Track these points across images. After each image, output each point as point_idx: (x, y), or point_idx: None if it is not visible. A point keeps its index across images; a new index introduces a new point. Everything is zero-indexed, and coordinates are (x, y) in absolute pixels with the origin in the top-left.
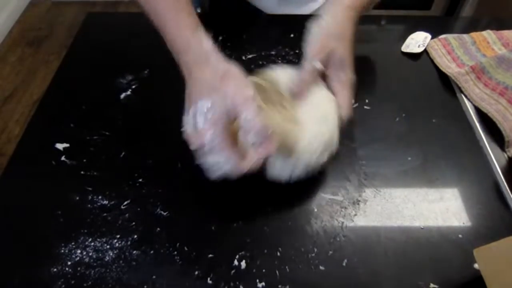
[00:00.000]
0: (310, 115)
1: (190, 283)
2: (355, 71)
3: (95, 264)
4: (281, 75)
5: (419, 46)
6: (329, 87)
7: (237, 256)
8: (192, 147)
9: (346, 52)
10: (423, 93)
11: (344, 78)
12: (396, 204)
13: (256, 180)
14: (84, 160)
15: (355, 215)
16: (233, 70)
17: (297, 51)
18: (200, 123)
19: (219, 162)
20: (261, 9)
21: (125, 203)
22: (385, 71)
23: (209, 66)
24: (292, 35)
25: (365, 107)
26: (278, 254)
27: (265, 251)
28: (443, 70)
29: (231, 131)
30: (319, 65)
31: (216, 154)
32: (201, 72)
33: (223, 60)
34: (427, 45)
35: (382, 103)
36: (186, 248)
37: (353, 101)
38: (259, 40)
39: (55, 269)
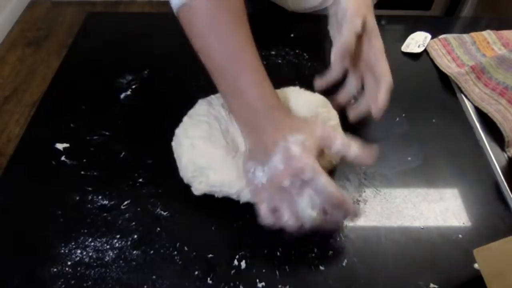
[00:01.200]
0: None
1: (190, 283)
2: None
3: (95, 264)
4: (292, 94)
5: (419, 46)
6: (361, 57)
7: (237, 256)
8: (283, 183)
9: (374, 23)
10: (423, 93)
11: (378, 45)
12: (396, 204)
13: None
14: (84, 160)
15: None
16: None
17: (297, 51)
18: (297, 151)
19: (317, 191)
20: (272, 1)
21: (125, 203)
22: None
23: (287, 110)
24: (292, 35)
25: None
26: (278, 254)
27: (265, 251)
28: (443, 70)
29: None
30: (359, 27)
31: (316, 179)
32: (283, 114)
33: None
34: (427, 45)
35: None
36: (186, 248)
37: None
38: (259, 40)
39: (55, 269)
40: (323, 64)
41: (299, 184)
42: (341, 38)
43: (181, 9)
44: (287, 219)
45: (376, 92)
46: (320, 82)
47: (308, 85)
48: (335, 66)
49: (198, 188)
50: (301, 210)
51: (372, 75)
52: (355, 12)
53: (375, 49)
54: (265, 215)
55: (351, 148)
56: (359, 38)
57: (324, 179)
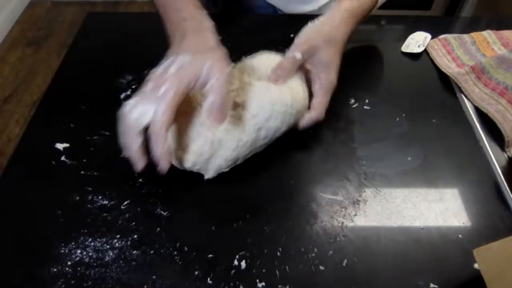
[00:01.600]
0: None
1: (190, 283)
2: (355, 70)
3: (95, 264)
4: (261, 61)
5: (419, 46)
6: (310, 87)
7: (237, 256)
8: (147, 86)
9: (333, 56)
10: (423, 93)
11: (324, 80)
12: (396, 204)
13: (256, 180)
14: (84, 160)
15: (355, 215)
16: (222, 50)
17: None
18: (171, 71)
19: (148, 112)
20: (270, 4)
21: (125, 203)
22: (385, 71)
23: (203, 35)
24: (292, 35)
25: (365, 107)
26: (278, 254)
27: (265, 251)
28: (443, 70)
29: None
30: (299, 56)
31: (159, 103)
32: (194, 37)
33: (218, 40)
34: (427, 45)
35: (382, 103)
36: (186, 248)
37: (326, 105)
38: (259, 40)
39: (55, 269)
40: None
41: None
42: (282, 59)
43: None
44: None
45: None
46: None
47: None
48: (271, 79)
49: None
50: (135, 107)
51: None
52: (301, 43)
53: (320, 82)
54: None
55: (212, 95)
56: (308, 63)
57: (162, 107)
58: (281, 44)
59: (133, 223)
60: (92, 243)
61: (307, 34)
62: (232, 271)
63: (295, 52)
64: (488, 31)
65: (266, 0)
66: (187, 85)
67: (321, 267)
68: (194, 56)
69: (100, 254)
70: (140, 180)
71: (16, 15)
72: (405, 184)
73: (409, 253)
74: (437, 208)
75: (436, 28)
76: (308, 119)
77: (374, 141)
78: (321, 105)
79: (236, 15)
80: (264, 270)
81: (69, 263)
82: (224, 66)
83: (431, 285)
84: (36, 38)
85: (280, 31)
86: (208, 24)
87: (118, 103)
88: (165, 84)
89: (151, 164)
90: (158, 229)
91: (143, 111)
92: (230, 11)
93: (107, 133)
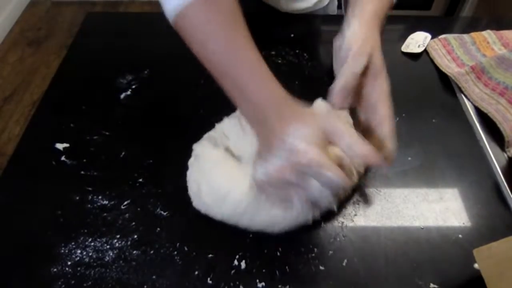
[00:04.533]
0: None
1: (190, 283)
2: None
3: (95, 264)
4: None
5: (419, 46)
6: (364, 98)
7: (237, 256)
8: (290, 177)
9: (381, 61)
10: (423, 93)
11: (383, 87)
12: (396, 204)
13: None
14: (84, 160)
15: (355, 215)
16: (309, 110)
17: (297, 51)
18: (302, 145)
19: (326, 182)
20: (263, 3)
21: (125, 203)
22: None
23: (295, 105)
24: (292, 35)
25: None
26: (278, 254)
27: (265, 251)
28: (443, 70)
29: None
30: (361, 67)
31: (323, 170)
32: (290, 110)
33: (298, 103)
34: (427, 45)
35: None
36: (186, 248)
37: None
38: (259, 40)
39: (55, 269)
40: (323, 64)
41: (304, 177)
42: (341, 79)
43: (175, 19)
44: (299, 208)
45: (379, 138)
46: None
47: (308, 85)
48: (336, 105)
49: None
50: (313, 197)
51: (374, 117)
52: (359, 50)
53: (379, 90)
54: (276, 205)
55: (359, 146)
56: (364, 75)
57: (329, 173)
58: (281, 43)
59: (133, 223)
60: (92, 243)
61: (356, 40)
62: (232, 271)
63: (358, 62)
64: (488, 31)
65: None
66: (321, 141)
67: (321, 267)
68: (306, 124)
69: (100, 254)
70: (140, 180)
71: (16, 15)
72: (405, 184)
73: (409, 253)
74: (437, 208)
75: (436, 28)
76: (389, 137)
77: None
78: (389, 114)
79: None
80: (264, 270)
81: (69, 263)
82: (340, 121)
83: (431, 285)
84: (36, 38)
85: (279, 31)
86: (284, 95)
87: (118, 103)
88: (308, 157)
89: (150, 165)
90: (158, 229)
91: (319, 193)
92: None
93: (107, 133)
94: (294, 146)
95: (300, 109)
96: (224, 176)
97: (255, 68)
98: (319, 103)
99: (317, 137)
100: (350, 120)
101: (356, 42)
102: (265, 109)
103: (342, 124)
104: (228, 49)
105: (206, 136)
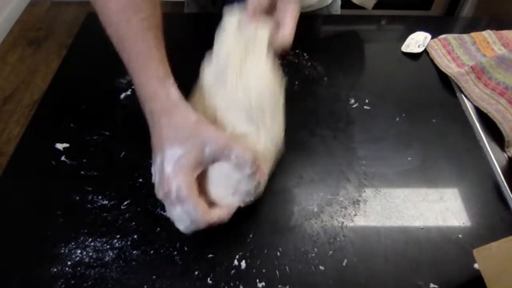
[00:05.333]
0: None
1: (190, 283)
2: (356, 70)
3: (95, 264)
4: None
5: (419, 46)
6: (277, 18)
7: (237, 256)
8: (159, 196)
9: None
10: (423, 93)
11: (292, 8)
12: (396, 204)
13: None
14: (84, 160)
15: (355, 215)
16: (203, 117)
17: (297, 51)
18: (168, 170)
19: (185, 212)
20: None
21: (125, 203)
22: (385, 71)
23: (178, 114)
24: None
25: (365, 107)
26: (278, 254)
27: (265, 251)
28: (443, 70)
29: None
30: None
31: (182, 204)
32: (168, 119)
33: (191, 109)
34: (427, 45)
35: (382, 103)
36: (186, 248)
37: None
38: None
39: (55, 269)
40: (323, 64)
41: (170, 201)
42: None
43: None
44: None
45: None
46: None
47: (308, 85)
48: (247, 20)
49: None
50: (173, 218)
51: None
52: None
53: (290, 12)
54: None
55: (245, 168)
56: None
57: (190, 204)
58: None
59: (133, 223)
60: (92, 243)
61: None
62: (232, 271)
63: None
64: (488, 31)
65: None
66: (193, 174)
67: (321, 267)
68: (183, 144)
69: (100, 254)
70: (140, 180)
71: (16, 15)
72: (405, 184)
73: (409, 253)
74: (437, 208)
75: (436, 28)
76: (280, 46)
77: (374, 141)
78: (292, 31)
79: None
80: (264, 270)
81: (69, 263)
82: (223, 135)
83: (431, 285)
84: (36, 38)
85: None
86: (174, 98)
87: (118, 103)
88: (172, 186)
89: (150, 165)
90: (158, 229)
91: (179, 218)
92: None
93: (107, 133)
94: (164, 169)
95: (185, 118)
96: None
97: (157, 69)
98: (229, 19)
99: (192, 159)
100: (268, 27)
101: None
102: (151, 109)
103: (225, 141)
104: (130, 39)
105: None
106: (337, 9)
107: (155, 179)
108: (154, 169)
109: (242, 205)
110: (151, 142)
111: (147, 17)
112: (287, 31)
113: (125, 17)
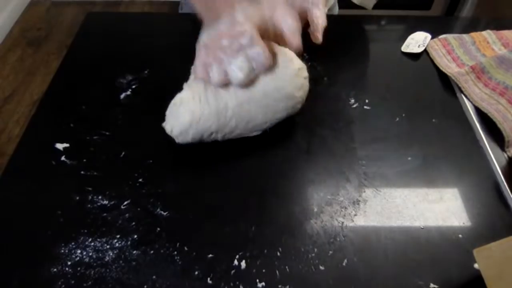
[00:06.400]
0: None
1: (190, 283)
2: (356, 70)
3: (95, 264)
4: None
5: (419, 46)
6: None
7: (237, 256)
8: (223, 43)
9: None
10: (423, 93)
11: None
12: (396, 204)
13: (256, 180)
14: (84, 160)
15: (355, 215)
16: None
17: None
18: (241, 18)
19: (249, 59)
20: None
21: (125, 203)
22: (385, 71)
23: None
24: None
25: (365, 107)
26: (278, 254)
27: (265, 251)
28: (443, 70)
29: None
30: None
31: (251, 48)
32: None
33: None
34: (427, 45)
35: (382, 103)
36: (186, 248)
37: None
38: None
39: (55, 269)
40: (323, 64)
41: (236, 47)
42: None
43: None
44: (214, 74)
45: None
46: None
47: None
48: None
49: (175, 132)
50: (230, 69)
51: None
52: None
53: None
54: (198, 67)
55: (295, 37)
56: None
57: (259, 48)
58: None
59: (133, 223)
60: (92, 243)
61: None
62: (232, 271)
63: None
64: (488, 31)
65: None
66: (260, 24)
67: (321, 267)
68: (252, 5)
69: (100, 254)
70: (140, 180)
71: (16, 15)
72: (405, 184)
73: (409, 253)
74: (437, 208)
75: (436, 28)
76: (320, 29)
77: (374, 141)
78: (323, 15)
79: None
80: (264, 270)
81: (69, 263)
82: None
83: (431, 285)
84: (36, 38)
85: None
86: None
87: (118, 103)
88: (245, 31)
89: (150, 165)
90: (158, 229)
91: (240, 66)
92: None
93: (107, 133)
94: (237, 18)
95: None
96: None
97: None
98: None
99: (259, 18)
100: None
101: None
102: None
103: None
104: None
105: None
106: (335, 11)
107: (214, 34)
108: (212, 31)
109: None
110: (205, 25)
111: None
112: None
113: None
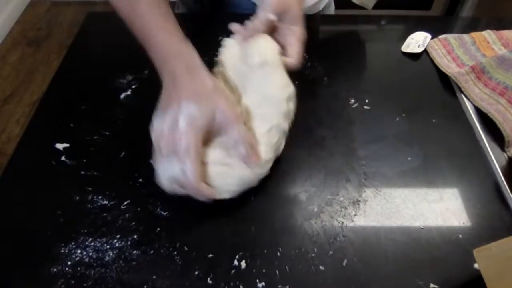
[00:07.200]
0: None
1: (190, 283)
2: (356, 70)
3: (95, 264)
4: (228, 55)
5: (419, 46)
6: (281, 40)
7: (237, 256)
8: (161, 147)
9: (301, 11)
10: (423, 93)
11: (298, 32)
12: (396, 204)
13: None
14: (84, 160)
15: (355, 215)
16: (222, 86)
17: None
18: (182, 125)
19: (181, 171)
20: (256, 4)
21: (125, 203)
22: (385, 71)
23: (198, 77)
24: None
25: (365, 107)
26: (278, 254)
27: (265, 251)
28: (443, 70)
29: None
30: (272, 16)
31: (185, 162)
32: (190, 79)
33: (211, 75)
34: (427, 45)
35: (382, 103)
36: (186, 248)
37: (304, 55)
38: None
39: (55, 269)
40: (323, 64)
41: (171, 151)
42: (255, 21)
43: None
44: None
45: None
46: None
47: (308, 85)
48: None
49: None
50: (163, 173)
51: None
52: (275, 4)
53: (293, 34)
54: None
55: (241, 146)
56: (281, 21)
57: (190, 167)
58: None
59: (133, 223)
60: (92, 243)
61: None
62: (232, 271)
63: (268, 13)
64: (488, 31)
65: (252, 0)
66: (202, 136)
67: (321, 267)
68: (199, 104)
69: (100, 254)
70: (140, 180)
71: (16, 15)
72: (405, 184)
73: (409, 253)
74: (437, 208)
75: (436, 28)
76: (288, 67)
77: (374, 141)
78: (299, 54)
79: (223, 16)
80: (264, 270)
81: (69, 263)
82: (233, 110)
83: (431, 285)
84: (36, 38)
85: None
86: (197, 61)
87: (118, 103)
88: (182, 140)
89: (150, 165)
90: (158, 229)
91: (168, 170)
92: (216, 12)
93: (107, 133)
94: (178, 122)
95: (205, 81)
96: None
97: (167, 24)
98: (229, 41)
99: (203, 120)
100: (275, 44)
101: None
102: (176, 67)
103: (234, 116)
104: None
105: None
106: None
107: (159, 131)
108: (159, 123)
109: (227, 196)
110: (161, 98)
111: None
112: (295, 52)
113: None
